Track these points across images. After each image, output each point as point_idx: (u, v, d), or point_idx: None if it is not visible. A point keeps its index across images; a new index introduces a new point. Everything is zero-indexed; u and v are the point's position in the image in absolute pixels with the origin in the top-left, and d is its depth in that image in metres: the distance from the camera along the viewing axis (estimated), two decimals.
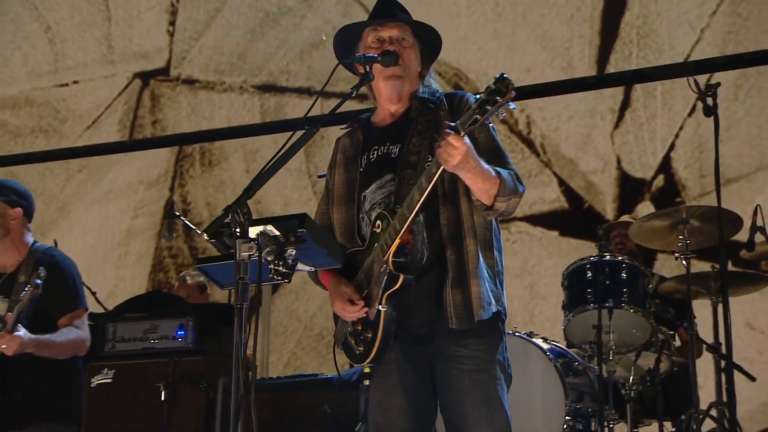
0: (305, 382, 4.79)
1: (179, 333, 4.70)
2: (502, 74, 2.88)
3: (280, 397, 4.53)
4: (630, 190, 7.01)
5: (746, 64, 6.33)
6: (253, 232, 2.72)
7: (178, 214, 5.53)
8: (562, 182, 7.25)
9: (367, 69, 3.22)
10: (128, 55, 9.00)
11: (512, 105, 2.89)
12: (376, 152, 3.31)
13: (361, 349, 3.21)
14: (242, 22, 8.58)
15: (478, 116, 2.89)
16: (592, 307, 4.64)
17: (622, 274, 4.72)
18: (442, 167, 2.98)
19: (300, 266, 2.88)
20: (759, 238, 4.62)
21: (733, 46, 6.62)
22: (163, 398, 4.56)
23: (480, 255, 3.17)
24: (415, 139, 3.20)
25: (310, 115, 3.13)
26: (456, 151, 2.92)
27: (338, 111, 3.26)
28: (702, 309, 5.21)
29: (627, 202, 7.00)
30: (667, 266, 6.24)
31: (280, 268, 2.77)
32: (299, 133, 3.02)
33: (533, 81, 7.26)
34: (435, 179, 3.02)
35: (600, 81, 7.08)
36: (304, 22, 8.36)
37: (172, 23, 8.85)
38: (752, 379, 4.97)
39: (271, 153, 9.16)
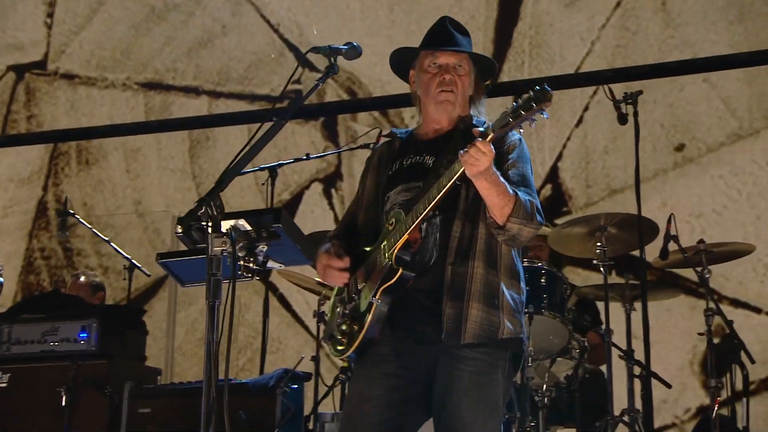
0: (219, 387, 4.67)
1: (81, 335, 4.54)
2: (545, 85, 2.89)
3: (191, 401, 4.42)
4: None
5: (633, 78, 6.58)
6: (224, 226, 2.64)
7: (72, 212, 5.36)
8: None
9: (332, 61, 3.24)
10: (1, 47, 8.69)
11: (545, 114, 2.90)
12: (410, 160, 3.36)
13: (345, 341, 3.20)
14: (126, 17, 8.38)
15: (510, 119, 2.91)
16: None
17: (541, 281, 4.78)
18: (463, 169, 3.00)
19: (270, 263, 2.82)
20: (672, 246, 4.79)
21: (622, 59, 6.87)
22: (63, 404, 4.40)
23: (488, 278, 3.18)
24: (450, 156, 3.18)
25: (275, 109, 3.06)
26: (484, 157, 2.95)
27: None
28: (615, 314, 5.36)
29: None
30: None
31: (251, 265, 2.71)
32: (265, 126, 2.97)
33: None
34: (455, 178, 3.03)
35: (493, 90, 7.19)
36: (192, 20, 8.23)
37: (50, 15, 8.58)
38: (668, 386, 5.12)
39: (153, 152, 9.04)
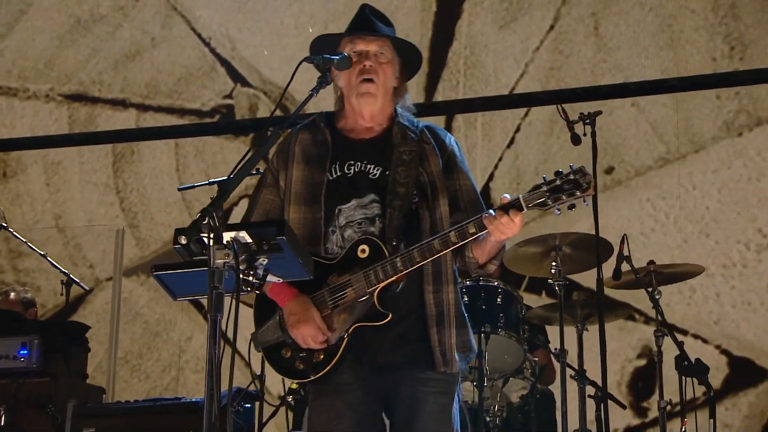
0: (167, 405, 4.61)
1: (22, 352, 4.42)
2: (584, 168, 2.87)
3: (139, 421, 4.35)
4: None
5: (566, 100, 6.69)
6: (224, 238, 2.57)
7: (5, 225, 5.22)
8: None
9: (328, 72, 3.13)
10: None
11: (586, 203, 2.88)
12: (353, 168, 3.22)
13: (301, 367, 3.11)
14: (50, 27, 8.21)
15: (549, 201, 2.88)
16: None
17: (498, 299, 4.81)
18: (484, 231, 2.97)
19: (269, 276, 2.72)
20: (625, 267, 4.87)
21: (555, 82, 7.00)
22: (3, 423, 4.27)
23: (456, 298, 3.19)
24: (401, 169, 3.15)
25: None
26: (515, 229, 2.94)
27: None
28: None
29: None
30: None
31: (250, 278, 2.62)
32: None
33: None
34: (467, 241, 3.01)
35: (428, 108, 7.28)
36: (119, 31, 8.11)
37: None
38: (623, 407, 5.18)
39: (75, 166, 8.84)
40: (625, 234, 4.85)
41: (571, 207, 2.88)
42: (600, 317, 4.56)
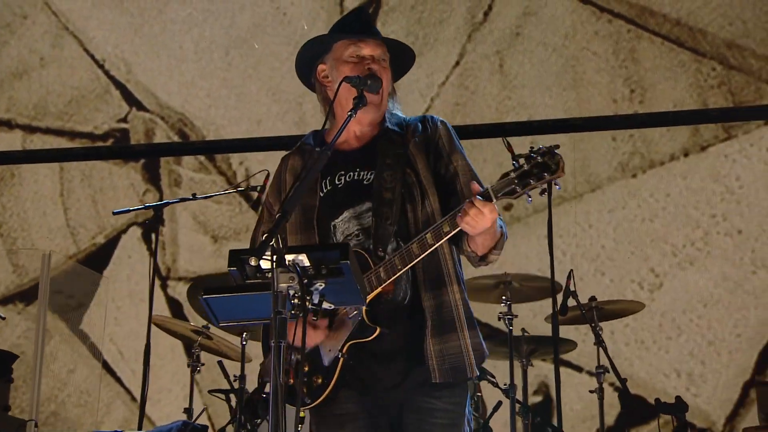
0: None
1: None
2: (554, 148, 2.78)
3: None
4: None
5: (471, 136, 6.81)
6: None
7: None
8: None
9: (360, 92, 3.06)
10: None
11: (559, 186, 2.80)
12: (343, 177, 3.16)
13: (305, 390, 3.04)
14: None
15: (517, 188, 2.79)
16: None
17: None
18: (457, 229, 2.88)
19: (324, 303, 2.67)
20: (571, 302, 4.93)
21: (461, 117, 7.10)
22: None
23: (464, 299, 3.10)
24: (387, 174, 3.09)
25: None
26: (485, 220, 2.83)
27: None
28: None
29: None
30: None
31: (306, 304, 2.56)
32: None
33: (263, 134, 7.33)
34: (444, 240, 2.93)
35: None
36: (5, 49, 7.91)
37: None
38: None
39: None
40: (571, 269, 4.93)
41: (543, 192, 2.81)
42: (555, 353, 4.61)
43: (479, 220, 2.84)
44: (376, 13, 7.47)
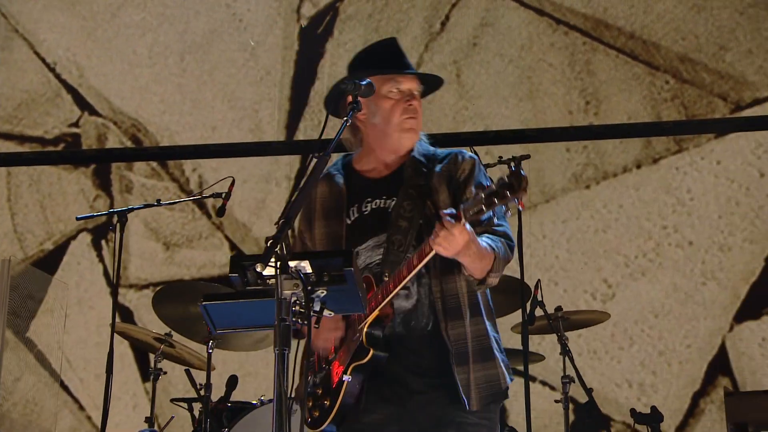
0: None
1: None
2: (520, 170, 2.81)
3: None
4: None
5: None
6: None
7: None
8: (234, 246, 7.28)
9: (356, 97, 3.07)
10: None
11: (521, 207, 2.83)
12: (369, 205, 3.24)
13: (316, 414, 3.10)
14: None
15: (485, 208, 2.81)
16: None
17: None
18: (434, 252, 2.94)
19: (325, 311, 2.69)
20: (539, 312, 4.96)
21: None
22: None
23: (492, 329, 3.18)
24: (407, 203, 3.14)
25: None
26: (455, 241, 2.87)
27: None
28: None
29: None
30: None
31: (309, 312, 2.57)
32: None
33: (219, 140, 7.29)
34: (426, 260, 2.97)
35: (288, 147, 7.26)
36: None
37: None
38: None
39: None
40: (539, 279, 4.95)
41: (506, 212, 2.85)
42: (525, 364, 4.62)
43: (450, 241, 2.89)
44: (333, 21, 7.50)
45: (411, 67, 3.36)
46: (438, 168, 3.26)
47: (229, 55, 7.59)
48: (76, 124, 7.66)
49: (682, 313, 6.79)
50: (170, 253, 7.40)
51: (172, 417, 5.08)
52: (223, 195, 5.37)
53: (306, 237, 3.32)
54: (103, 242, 7.49)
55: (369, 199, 3.25)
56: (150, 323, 6.20)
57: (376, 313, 3.03)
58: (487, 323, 3.21)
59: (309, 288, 2.54)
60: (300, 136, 7.40)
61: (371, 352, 3.02)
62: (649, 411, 5.21)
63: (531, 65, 7.27)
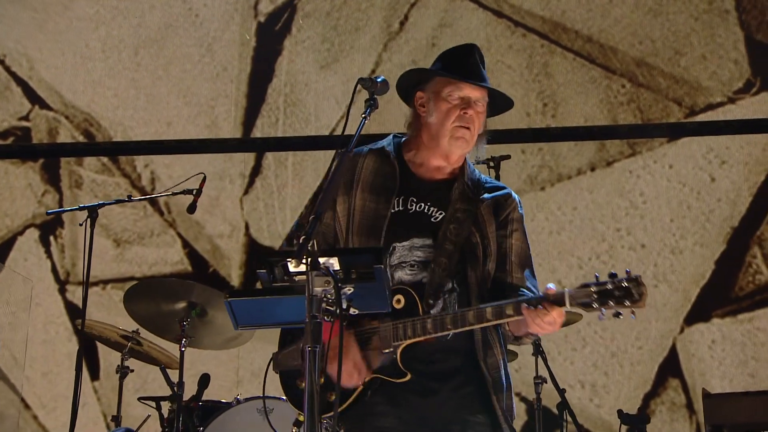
0: None
1: None
2: (639, 278, 2.80)
3: None
4: (258, 256, 7.13)
5: None
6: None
7: None
8: (186, 244, 7.22)
9: (372, 94, 3.13)
10: None
11: (633, 316, 2.83)
12: (415, 205, 3.24)
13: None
14: None
15: (595, 304, 2.82)
16: None
17: None
18: (521, 317, 2.92)
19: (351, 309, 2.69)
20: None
21: (377, 126, 7.10)
22: None
23: (505, 364, 3.22)
24: (453, 226, 3.16)
25: None
26: (557, 327, 2.90)
27: None
28: None
29: (254, 269, 7.09)
30: None
31: (334, 308, 2.54)
32: None
33: (173, 136, 7.22)
34: (503, 322, 3.00)
35: (240, 145, 7.21)
36: None
37: None
38: None
39: None
40: None
41: (617, 315, 2.84)
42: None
43: (549, 322, 2.90)
44: (291, 18, 7.48)
45: (482, 77, 3.33)
46: (487, 197, 3.30)
47: (185, 50, 7.62)
48: (26, 118, 7.58)
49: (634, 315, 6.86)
50: (121, 250, 7.31)
51: (149, 416, 5.03)
52: (194, 192, 5.34)
53: (339, 200, 3.27)
54: (51, 238, 7.37)
55: (415, 199, 3.26)
56: (100, 321, 6.11)
57: (419, 339, 3.03)
58: (504, 359, 3.26)
59: (339, 285, 2.53)
60: (257, 133, 7.43)
61: (408, 376, 3.01)
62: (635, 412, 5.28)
63: (489, 67, 7.18)
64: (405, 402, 3.10)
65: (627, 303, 2.79)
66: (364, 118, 3.08)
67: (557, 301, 2.87)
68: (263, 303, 2.62)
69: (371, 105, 3.10)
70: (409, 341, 3.02)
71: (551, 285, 2.94)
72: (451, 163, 3.31)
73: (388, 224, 3.20)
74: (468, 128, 3.26)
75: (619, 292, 2.80)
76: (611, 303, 2.80)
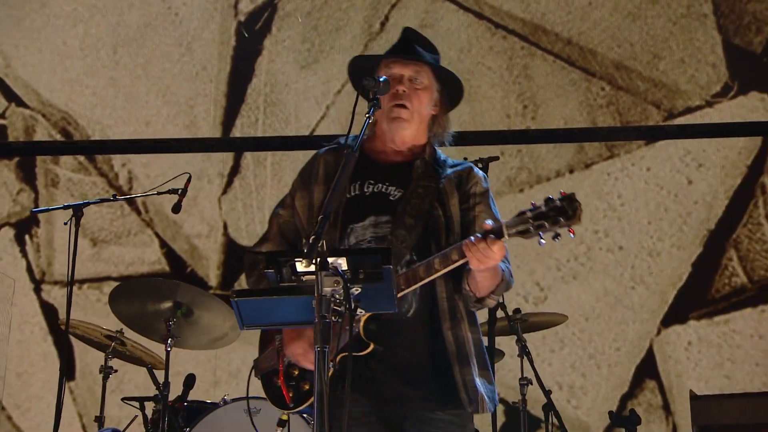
0: None
1: None
2: (574, 195, 2.79)
3: None
4: (236, 257, 7.14)
5: None
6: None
7: None
8: (164, 244, 7.19)
9: (374, 94, 3.04)
10: None
11: (572, 235, 2.80)
12: (372, 187, 3.23)
13: (290, 395, 3.10)
14: None
15: (530, 228, 2.78)
16: None
17: None
18: (465, 259, 2.91)
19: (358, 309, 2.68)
20: (500, 313, 4.99)
21: (357, 127, 7.09)
22: None
23: (477, 338, 3.18)
24: (414, 200, 3.14)
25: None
26: (494, 258, 2.86)
27: None
28: None
29: (232, 269, 7.10)
30: None
31: (342, 309, 2.53)
32: None
33: (152, 136, 7.19)
34: (452, 267, 2.96)
35: (220, 144, 7.19)
36: None
37: None
38: None
39: None
40: None
41: (556, 237, 2.81)
42: (492, 364, 4.65)
43: (488, 256, 2.87)
44: (272, 18, 7.48)
45: (412, 52, 3.26)
46: (449, 172, 3.28)
47: (164, 49, 7.64)
48: (2, 116, 7.53)
49: (612, 317, 6.97)
50: (97, 249, 7.26)
51: (135, 416, 5.00)
52: (179, 191, 5.33)
53: (297, 195, 3.31)
54: (27, 237, 7.31)
55: (372, 181, 3.23)
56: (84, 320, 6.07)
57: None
58: (478, 334, 3.21)
59: (339, 287, 2.52)
60: (236, 133, 7.47)
61: (371, 346, 2.98)
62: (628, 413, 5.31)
63: (470, 68, 7.35)
64: (369, 385, 3.07)
65: (562, 221, 2.76)
66: (368, 117, 3.04)
67: (496, 233, 2.85)
68: (270, 303, 2.62)
69: (374, 104, 3.06)
70: (368, 313, 2.97)
71: (489, 221, 2.93)
72: (399, 145, 3.28)
73: (344, 208, 3.19)
74: (403, 106, 3.20)
75: (554, 212, 2.77)
76: (547, 225, 2.77)
